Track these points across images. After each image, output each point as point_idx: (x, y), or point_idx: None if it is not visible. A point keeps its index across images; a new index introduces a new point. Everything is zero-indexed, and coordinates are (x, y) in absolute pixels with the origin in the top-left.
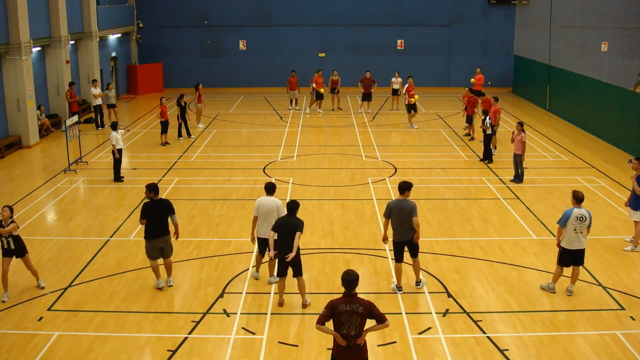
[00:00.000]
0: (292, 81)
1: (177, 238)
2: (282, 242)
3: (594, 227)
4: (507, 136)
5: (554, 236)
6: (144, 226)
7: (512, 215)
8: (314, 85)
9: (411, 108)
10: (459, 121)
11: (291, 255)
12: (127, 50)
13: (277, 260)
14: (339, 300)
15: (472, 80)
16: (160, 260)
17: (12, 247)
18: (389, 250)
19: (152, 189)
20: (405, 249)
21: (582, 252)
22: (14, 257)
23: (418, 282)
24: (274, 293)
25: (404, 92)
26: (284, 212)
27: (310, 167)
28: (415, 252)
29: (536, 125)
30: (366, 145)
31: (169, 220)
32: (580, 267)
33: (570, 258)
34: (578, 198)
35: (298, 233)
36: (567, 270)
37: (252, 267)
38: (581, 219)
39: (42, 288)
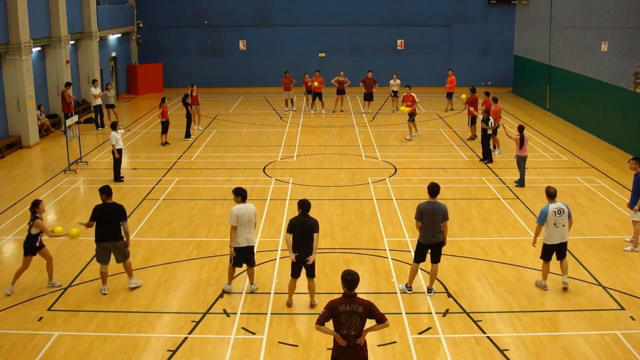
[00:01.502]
0: (285, 82)
1: (126, 246)
2: (299, 243)
3: (594, 227)
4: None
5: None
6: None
7: (512, 215)
8: (314, 84)
9: (410, 116)
10: (459, 121)
11: (312, 258)
12: (127, 50)
13: (291, 261)
14: (339, 300)
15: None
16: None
17: (37, 244)
18: (389, 250)
19: (102, 191)
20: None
21: (564, 245)
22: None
23: (430, 290)
24: (274, 293)
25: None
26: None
27: (310, 167)
28: (439, 258)
29: (536, 125)
30: (366, 145)
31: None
32: (567, 258)
33: (552, 252)
34: (550, 194)
35: (316, 234)
36: (559, 270)
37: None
38: (559, 212)
39: (59, 286)
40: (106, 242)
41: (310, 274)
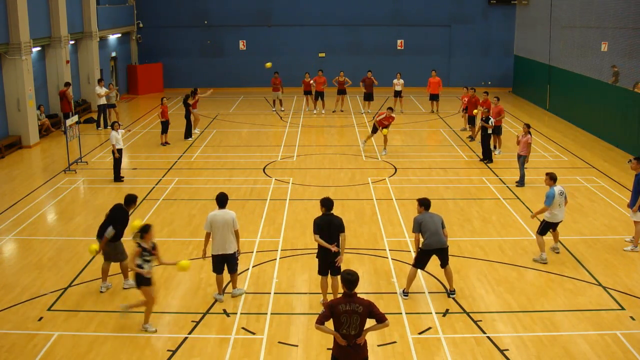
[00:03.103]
0: (274, 82)
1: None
2: (327, 241)
3: (594, 227)
4: (509, 136)
5: (552, 236)
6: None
7: (512, 215)
8: (314, 85)
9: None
10: (459, 121)
11: (341, 259)
12: (127, 50)
13: (318, 260)
14: (339, 300)
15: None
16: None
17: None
18: (389, 250)
19: (127, 199)
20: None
21: (559, 222)
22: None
23: (453, 291)
24: (274, 293)
25: (378, 118)
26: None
27: (310, 167)
28: (447, 260)
29: (536, 125)
30: (366, 145)
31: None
32: (569, 258)
33: (550, 229)
34: (554, 178)
35: (343, 235)
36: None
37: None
38: (561, 193)
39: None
40: (111, 242)
41: (335, 272)
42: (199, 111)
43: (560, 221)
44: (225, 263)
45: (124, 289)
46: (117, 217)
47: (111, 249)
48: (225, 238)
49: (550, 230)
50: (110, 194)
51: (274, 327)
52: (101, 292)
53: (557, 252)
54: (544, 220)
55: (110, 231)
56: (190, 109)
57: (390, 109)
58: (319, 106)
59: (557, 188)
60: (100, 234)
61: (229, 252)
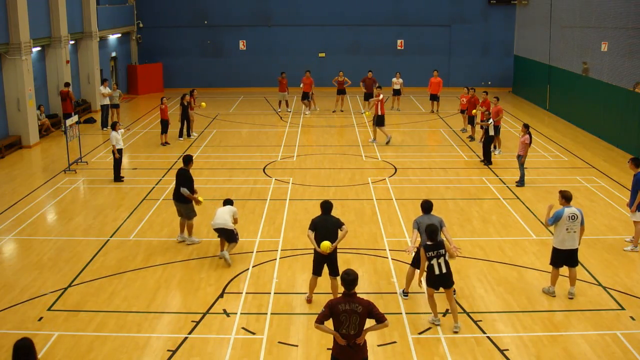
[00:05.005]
0: (282, 82)
1: (197, 203)
2: (323, 239)
3: (594, 227)
4: (509, 136)
5: (553, 235)
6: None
7: (512, 215)
8: (301, 85)
9: (379, 121)
10: (459, 121)
11: (333, 245)
12: (127, 50)
13: (313, 258)
14: (338, 299)
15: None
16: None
17: None
18: (389, 250)
19: (183, 159)
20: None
21: (575, 252)
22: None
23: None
24: (274, 293)
25: (374, 103)
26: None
27: (310, 167)
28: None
29: (536, 125)
30: (366, 145)
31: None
32: (577, 267)
33: (563, 258)
34: (567, 197)
35: (344, 226)
36: (564, 271)
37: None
38: (573, 217)
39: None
40: (175, 201)
41: (334, 273)
42: (195, 112)
43: (571, 250)
44: (225, 235)
45: (187, 244)
46: (183, 178)
47: (184, 208)
48: (223, 218)
49: (566, 266)
50: (110, 194)
51: (274, 327)
52: (177, 241)
53: (571, 298)
54: (552, 247)
55: (186, 190)
56: (189, 109)
57: (379, 87)
58: (304, 106)
59: (569, 210)
60: (175, 197)
61: (228, 227)
